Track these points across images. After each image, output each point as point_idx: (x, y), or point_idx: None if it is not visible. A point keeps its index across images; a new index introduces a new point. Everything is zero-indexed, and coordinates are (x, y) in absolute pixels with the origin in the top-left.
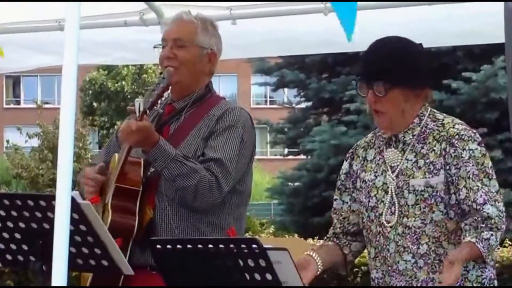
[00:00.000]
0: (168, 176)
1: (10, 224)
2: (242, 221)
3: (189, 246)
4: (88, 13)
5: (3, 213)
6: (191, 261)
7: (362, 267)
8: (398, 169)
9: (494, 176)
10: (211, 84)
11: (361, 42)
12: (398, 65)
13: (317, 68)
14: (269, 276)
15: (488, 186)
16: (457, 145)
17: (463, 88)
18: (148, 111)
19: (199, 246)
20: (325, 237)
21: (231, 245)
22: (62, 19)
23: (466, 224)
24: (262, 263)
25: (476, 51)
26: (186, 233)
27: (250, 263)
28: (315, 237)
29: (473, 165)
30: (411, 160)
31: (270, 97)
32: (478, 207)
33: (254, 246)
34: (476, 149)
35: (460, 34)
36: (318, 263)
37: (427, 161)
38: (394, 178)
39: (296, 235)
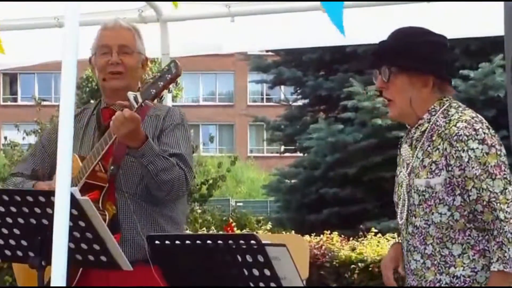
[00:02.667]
0: (152, 171)
1: (9, 220)
2: (185, 216)
3: (187, 242)
4: (87, 10)
5: (2, 209)
6: (190, 256)
7: (359, 264)
8: (410, 166)
9: (499, 175)
10: None
11: (359, 37)
12: (402, 50)
13: (314, 65)
14: (267, 272)
15: (492, 186)
16: (456, 146)
17: (460, 86)
18: (143, 104)
19: (198, 242)
20: None
21: (230, 241)
22: (61, 16)
23: (492, 245)
24: (261, 258)
25: (473, 49)
26: (147, 228)
27: (249, 258)
28: (311, 234)
29: (473, 167)
30: (420, 158)
31: (267, 95)
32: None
33: (252, 242)
34: (477, 148)
35: (458, 28)
36: None
37: (430, 160)
38: (407, 175)
39: (293, 232)
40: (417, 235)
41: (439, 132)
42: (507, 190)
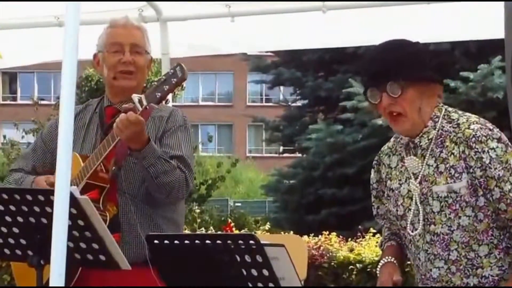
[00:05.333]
0: (153, 173)
1: (8, 219)
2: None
3: (186, 241)
4: (87, 9)
5: (1, 208)
6: (189, 256)
7: (357, 265)
8: (420, 175)
9: None
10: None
11: (359, 38)
12: (408, 61)
13: (314, 66)
14: (266, 272)
15: None
16: (476, 147)
17: (461, 88)
18: (148, 106)
19: (196, 242)
20: (384, 238)
21: (229, 241)
22: (61, 15)
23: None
24: (259, 259)
25: (473, 51)
26: (147, 229)
27: (247, 259)
28: (310, 235)
29: (496, 167)
30: (432, 165)
31: (266, 95)
32: None
33: (251, 242)
34: (497, 147)
35: (458, 30)
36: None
37: (447, 165)
38: (418, 185)
39: (291, 232)
40: (438, 243)
41: (451, 137)
42: None
